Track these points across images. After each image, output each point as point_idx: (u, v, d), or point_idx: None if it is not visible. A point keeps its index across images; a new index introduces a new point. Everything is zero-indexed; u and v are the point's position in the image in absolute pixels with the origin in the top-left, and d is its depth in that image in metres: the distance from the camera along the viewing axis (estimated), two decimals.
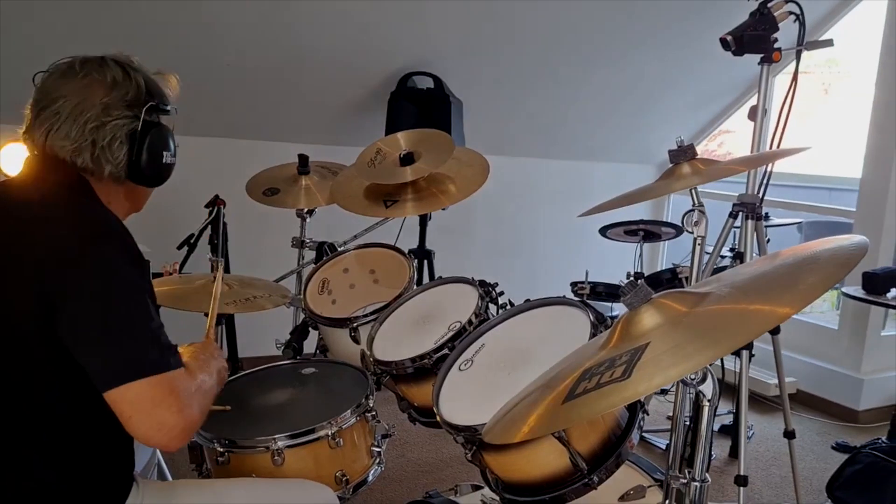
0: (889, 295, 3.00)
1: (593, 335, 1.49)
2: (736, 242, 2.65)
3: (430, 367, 1.73)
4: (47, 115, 1.30)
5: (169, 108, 1.41)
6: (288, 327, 2.74)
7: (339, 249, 2.39)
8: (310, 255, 2.71)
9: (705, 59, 4.00)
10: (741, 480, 2.29)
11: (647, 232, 3.59)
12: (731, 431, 3.31)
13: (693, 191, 1.54)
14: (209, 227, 3.19)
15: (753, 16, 2.33)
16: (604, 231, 3.58)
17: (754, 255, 2.38)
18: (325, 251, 2.45)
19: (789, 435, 2.62)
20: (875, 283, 3.01)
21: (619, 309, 4.07)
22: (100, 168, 1.32)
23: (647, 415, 1.64)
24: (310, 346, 2.19)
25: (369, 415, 1.75)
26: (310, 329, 2.10)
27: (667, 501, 1.20)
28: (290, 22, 3.24)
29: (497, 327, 1.73)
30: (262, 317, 2.29)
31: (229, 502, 1.47)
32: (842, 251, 1.00)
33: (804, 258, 1.04)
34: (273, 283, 2.42)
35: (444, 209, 2.20)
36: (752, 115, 2.42)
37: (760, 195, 2.43)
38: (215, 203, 3.22)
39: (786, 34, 2.38)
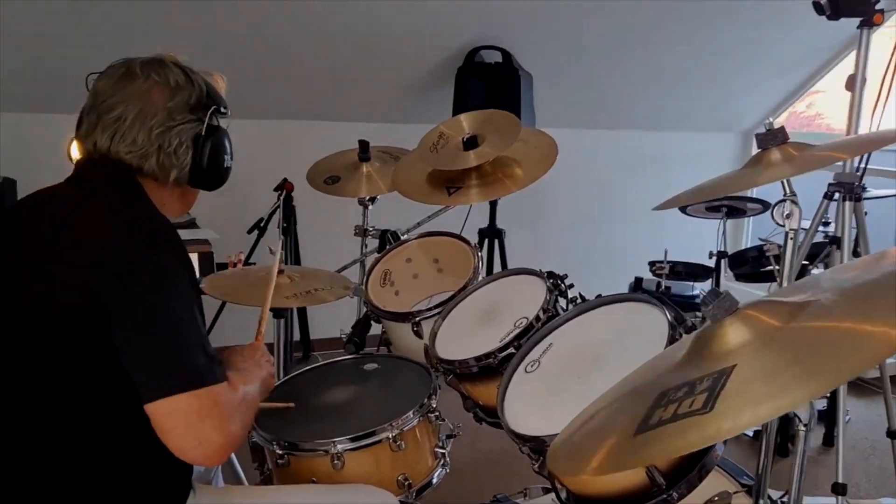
0: None
1: (671, 338, 1.37)
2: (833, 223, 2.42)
3: (496, 367, 1.64)
4: (109, 120, 1.28)
5: (227, 111, 1.39)
6: (355, 310, 2.71)
7: (401, 238, 2.32)
8: (373, 243, 2.65)
9: (797, 23, 3.71)
10: (840, 489, 2.10)
11: (731, 208, 3.41)
12: (824, 418, 3.08)
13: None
14: (277, 211, 3.19)
15: None
16: (684, 208, 3.41)
17: (851, 242, 2.16)
18: (388, 240, 2.39)
19: (892, 435, 2.39)
20: None
21: (700, 288, 3.88)
22: (165, 173, 1.31)
23: None
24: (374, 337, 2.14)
25: (432, 415, 1.68)
26: (372, 322, 2.04)
27: None
28: None
29: (566, 325, 1.62)
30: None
31: None
32: None
33: None
34: (335, 273, 2.37)
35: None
36: (850, 85, 2.20)
37: (860, 174, 2.20)
38: (283, 187, 3.21)
39: None
